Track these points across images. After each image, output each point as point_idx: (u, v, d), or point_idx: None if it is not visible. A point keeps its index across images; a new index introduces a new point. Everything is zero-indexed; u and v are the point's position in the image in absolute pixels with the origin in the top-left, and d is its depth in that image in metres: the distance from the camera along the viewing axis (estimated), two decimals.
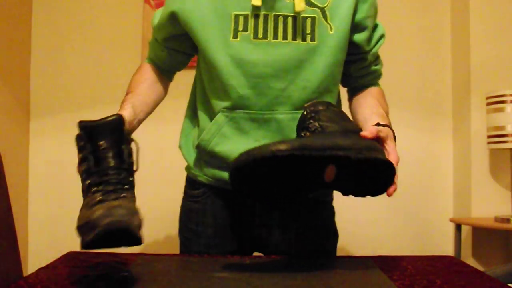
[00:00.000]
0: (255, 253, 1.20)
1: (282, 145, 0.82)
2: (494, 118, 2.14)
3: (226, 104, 1.08)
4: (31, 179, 2.47)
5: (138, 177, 0.95)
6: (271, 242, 1.18)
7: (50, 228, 2.43)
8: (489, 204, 2.28)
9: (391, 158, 0.91)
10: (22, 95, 2.42)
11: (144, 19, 2.43)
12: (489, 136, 2.17)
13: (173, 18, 1.11)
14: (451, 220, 2.29)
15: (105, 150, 0.87)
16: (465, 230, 2.33)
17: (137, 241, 0.75)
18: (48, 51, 2.47)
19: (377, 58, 1.20)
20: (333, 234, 1.23)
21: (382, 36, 1.17)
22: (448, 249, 2.42)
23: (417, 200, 2.45)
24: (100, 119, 0.88)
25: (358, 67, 1.17)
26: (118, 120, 0.89)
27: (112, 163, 0.87)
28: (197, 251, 1.17)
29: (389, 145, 0.93)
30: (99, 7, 2.48)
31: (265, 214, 1.16)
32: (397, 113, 2.48)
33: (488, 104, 2.18)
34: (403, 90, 2.48)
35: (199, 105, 1.18)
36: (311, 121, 0.93)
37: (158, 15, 1.18)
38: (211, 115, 1.13)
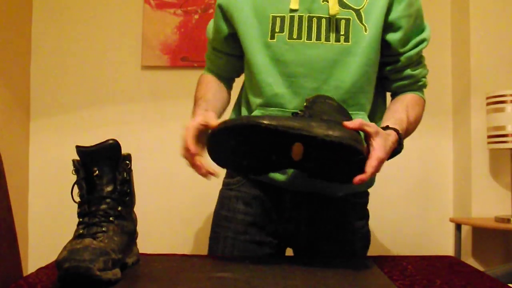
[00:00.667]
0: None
1: (255, 117, 0.88)
2: (494, 118, 2.14)
3: (261, 101, 1.12)
4: (31, 179, 2.47)
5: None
6: (298, 237, 1.19)
7: (50, 228, 2.42)
8: (489, 204, 2.28)
9: (374, 153, 0.89)
10: (22, 95, 2.42)
11: (144, 19, 2.43)
12: (489, 136, 2.17)
13: (221, 12, 1.17)
14: (451, 220, 2.29)
15: (98, 178, 0.87)
16: (465, 230, 2.33)
17: (100, 283, 0.76)
18: (48, 51, 2.47)
19: (418, 63, 1.17)
20: (364, 237, 1.24)
21: (423, 40, 1.15)
22: (448, 249, 2.42)
23: (417, 200, 2.45)
24: (96, 145, 0.88)
25: (392, 69, 1.16)
26: (114, 146, 0.89)
27: (102, 192, 0.87)
28: (226, 237, 1.19)
29: (376, 141, 0.91)
30: (99, 7, 2.48)
31: (294, 209, 1.17)
32: None
33: (488, 104, 2.18)
34: None
35: (243, 102, 1.23)
36: (304, 109, 0.96)
37: (211, 22, 1.26)
38: (250, 112, 1.17)
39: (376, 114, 1.18)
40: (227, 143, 0.92)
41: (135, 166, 0.98)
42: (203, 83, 1.26)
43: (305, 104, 0.99)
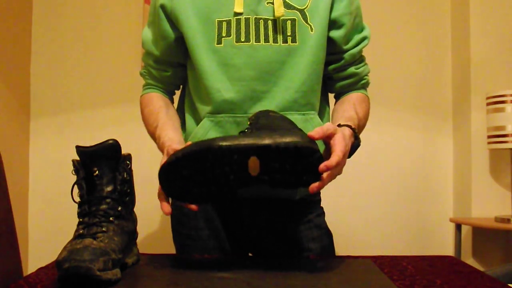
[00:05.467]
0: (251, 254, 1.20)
1: (204, 142, 0.85)
2: (494, 118, 2.14)
3: (210, 108, 1.09)
4: (31, 179, 2.47)
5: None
6: (263, 243, 1.18)
7: (50, 228, 2.43)
8: (489, 204, 2.28)
9: (335, 150, 0.88)
10: (22, 95, 2.42)
11: (144, 19, 2.43)
12: (489, 136, 2.17)
13: (165, 14, 1.12)
14: (451, 220, 2.29)
15: (98, 178, 0.87)
16: (465, 230, 2.33)
17: (100, 283, 0.76)
18: (48, 51, 2.48)
19: (360, 61, 1.19)
20: (328, 233, 1.23)
21: (364, 38, 1.16)
22: (448, 249, 2.42)
23: (417, 200, 2.45)
24: (96, 145, 0.87)
25: (336, 68, 1.17)
26: (114, 146, 0.88)
27: (102, 192, 0.87)
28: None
29: (334, 139, 0.90)
30: (99, 7, 2.49)
31: (252, 216, 1.16)
32: (397, 113, 2.48)
33: (488, 104, 2.18)
34: (403, 90, 2.48)
35: (186, 110, 1.19)
36: (249, 127, 0.94)
37: (147, 32, 1.21)
38: (197, 120, 1.14)
39: (322, 113, 1.18)
40: (180, 174, 0.87)
41: (135, 166, 0.98)
42: (150, 105, 1.20)
43: (249, 122, 0.97)
